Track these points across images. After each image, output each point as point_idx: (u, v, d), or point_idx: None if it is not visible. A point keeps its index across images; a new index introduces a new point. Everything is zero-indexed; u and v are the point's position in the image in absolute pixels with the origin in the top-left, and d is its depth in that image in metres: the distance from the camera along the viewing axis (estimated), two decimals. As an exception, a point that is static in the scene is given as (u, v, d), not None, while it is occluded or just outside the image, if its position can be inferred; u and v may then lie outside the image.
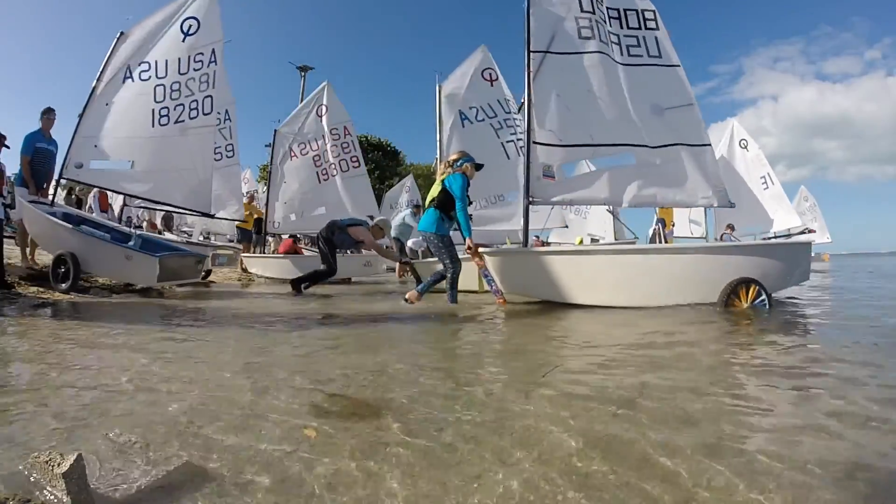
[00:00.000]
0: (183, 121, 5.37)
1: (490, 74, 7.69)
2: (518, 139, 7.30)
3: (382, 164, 32.28)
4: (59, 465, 0.81)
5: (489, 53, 7.81)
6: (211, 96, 5.51)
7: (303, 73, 20.06)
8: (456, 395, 1.48)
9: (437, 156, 7.69)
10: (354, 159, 9.10)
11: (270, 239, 10.30)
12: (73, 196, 14.19)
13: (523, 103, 4.96)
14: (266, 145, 13.33)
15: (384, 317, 3.60)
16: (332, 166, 8.99)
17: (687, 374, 1.78)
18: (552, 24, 4.75)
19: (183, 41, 5.43)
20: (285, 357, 2.12)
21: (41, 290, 4.45)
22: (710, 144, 4.72)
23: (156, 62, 5.37)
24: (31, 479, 0.85)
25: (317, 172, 9.05)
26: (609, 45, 4.76)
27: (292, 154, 9.14)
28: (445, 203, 4.20)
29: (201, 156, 5.53)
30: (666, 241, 10.17)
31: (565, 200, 4.78)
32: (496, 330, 3.07)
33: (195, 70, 5.45)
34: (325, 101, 9.23)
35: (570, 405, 1.37)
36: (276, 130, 9.25)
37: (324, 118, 9.16)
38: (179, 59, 5.41)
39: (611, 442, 1.10)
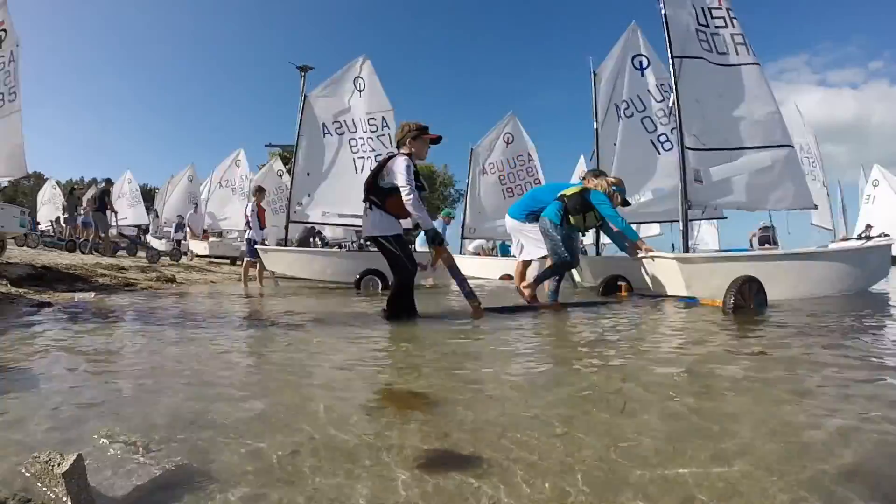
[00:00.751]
0: None
1: (641, 62, 7.49)
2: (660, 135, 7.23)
3: (382, 163, 32.17)
4: (59, 465, 0.80)
5: (638, 33, 7.48)
6: None
7: (303, 74, 20.03)
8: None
9: (595, 150, 7.60)
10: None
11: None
12: (75, 195, 14.21)
13: (671, 108, 5.48)
14: (266, 146, 13.25)
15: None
16: (518, 186, 10.53)
17: None
18: (683, 30, 5.23)
19: None
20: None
21: (38, 290, 4.45)
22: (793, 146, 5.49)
23: None
24: (31, 479, 0.85)
25: (502, 189, 10.84)
26: (726, 47, 5.32)
27: (484, 172, 11.03)
28: (576, 208, 4.48)
29: None
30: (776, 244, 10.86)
31: (718, 204, 5.41)
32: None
33: None
34: (509, 130, 10.95)
35: None
36: (472, 149, 11.13)
37: (508, 147, 10.93)
38: None
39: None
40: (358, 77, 8.01)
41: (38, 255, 8.27)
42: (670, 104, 5.61)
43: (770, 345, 2.35)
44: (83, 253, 10.44)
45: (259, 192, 7.81)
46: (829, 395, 1.51)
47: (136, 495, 0.84)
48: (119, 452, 1.00)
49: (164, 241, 15.68)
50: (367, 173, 7.30)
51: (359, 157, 7.84)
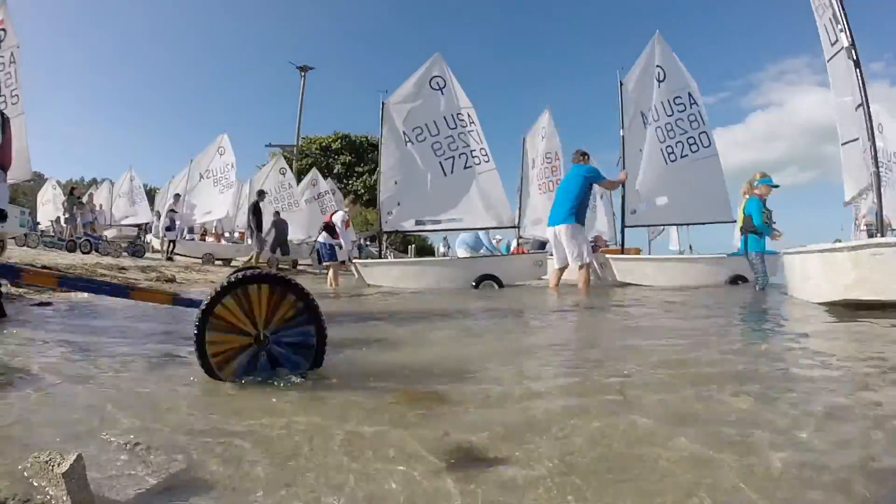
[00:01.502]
0: None
1: (658, 74, 7.74)
2: None
3: (383, 164, 32.20)
4: (59, 465, 0.80)
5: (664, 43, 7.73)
6: None
7: (303, 73, 20.05)
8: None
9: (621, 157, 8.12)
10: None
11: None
12: (75, 195, 14.20)
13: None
14: (266, 146, 13.28)
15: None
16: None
17: None
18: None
19: None
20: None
21: (38, 290, 4.44)
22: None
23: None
24: (31, 479, 0.84)
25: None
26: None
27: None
28: (750, 226, 5.52)
29: None
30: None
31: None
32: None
33: None
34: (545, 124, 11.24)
35: None
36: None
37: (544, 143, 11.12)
38: None
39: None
40: (435, 77, 7.81)
41: (38, 255, 8.27)
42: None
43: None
44: (83, 253, 10.45)
45: (353, 202, 8.24)
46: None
47: (137, 496, 0.84)
48: (119, 453, 1.00)
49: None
50: (457, 173, 7.56)
51: (446, 159, 7.63)
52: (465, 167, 7.59)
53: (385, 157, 7.83)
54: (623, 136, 7.78)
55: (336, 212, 7.67)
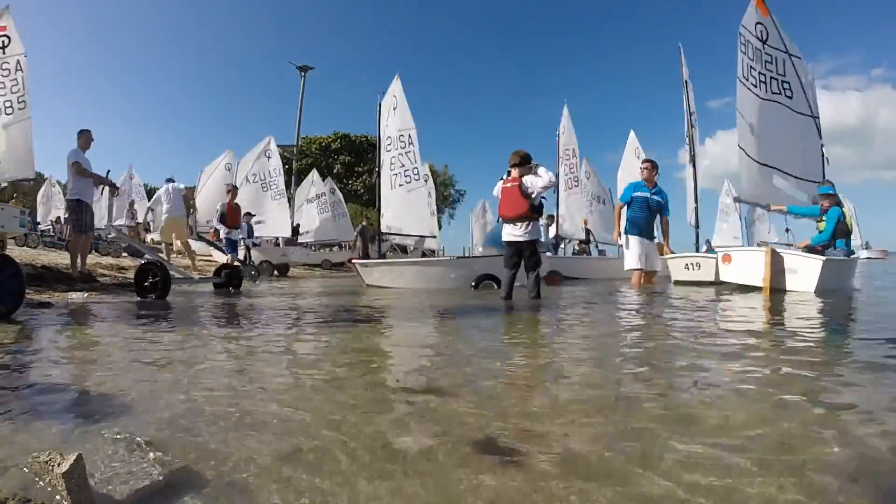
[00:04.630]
0: None
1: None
2: None
3: (382, 164, 32.18)
4: (59, 465, 0.81)
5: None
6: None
7: (303, 73, 20.02)
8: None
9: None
10: None
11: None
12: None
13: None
14: (266, 146, 13.30)
15: None
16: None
17: None
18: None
19: None
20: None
21: (39, 290, 4.45)
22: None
23: None
24: (31, 479, 0.85)
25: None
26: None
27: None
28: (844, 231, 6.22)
29: None
30: None
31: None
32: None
33: None
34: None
35: None
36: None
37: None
38: None
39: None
40: (394, 94, 8.41)
41: (37, 255, 8.28)
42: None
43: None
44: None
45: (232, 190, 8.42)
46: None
47: (137, 496, 0.84)
48: (120, 453, 1.01)
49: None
50: (398, 190, 8.14)
51: (394, 174, 8.24)
52: (400, 184, 8.30)
53: (383, 163, 8.46)
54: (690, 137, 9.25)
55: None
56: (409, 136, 8.32)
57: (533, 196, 4.81)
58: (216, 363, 1.97)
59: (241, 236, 10.90)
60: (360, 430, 1.16)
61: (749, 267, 5.93)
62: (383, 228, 8.31)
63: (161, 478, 0.89)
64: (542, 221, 4.70)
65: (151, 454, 0.98)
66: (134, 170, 18.59)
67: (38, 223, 16.75)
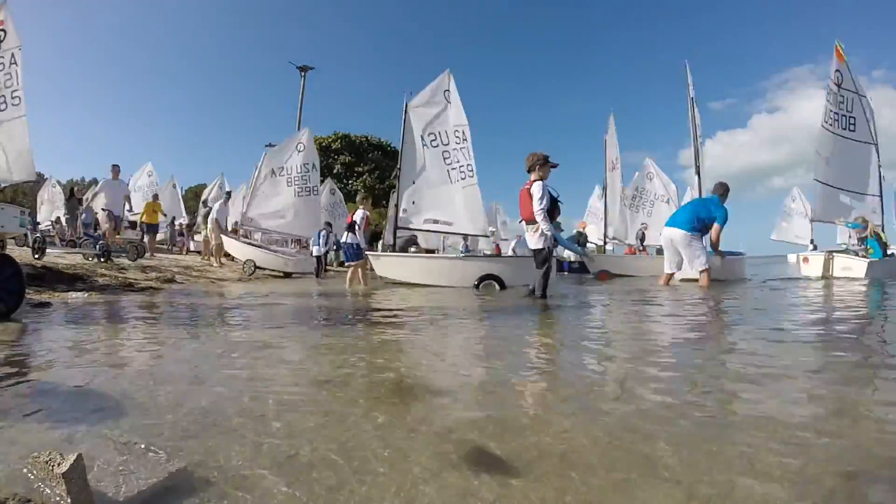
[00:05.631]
0: None
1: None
2: None
3: (382, 164, 32.28)
4: (59, 465, 0.80)
5: None
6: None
7: (303, 73, 20.03)
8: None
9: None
10: None
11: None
12: (75, 195, 14.21)
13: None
14: (266, 146, 13.24)
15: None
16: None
17: None
18: None
19: None
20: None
21: (39, 290, 4.45)
22: None
23: None
24: (31, 479, 0.85)
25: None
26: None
27: None
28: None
29: None
30: None
31: None
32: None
33: None
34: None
35: None
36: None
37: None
38: None
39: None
40: (447, 90, 8.40)
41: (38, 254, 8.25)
42: None
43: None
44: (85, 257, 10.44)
45: (366, 198, 8.33)
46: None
47: (137, 496, 0.84)
48: (120, 453, 1.01)
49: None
50: (455, 183, 8.18)
51: (452, 169, 8.23)
52: (461, 179, 8.25)
53: (406, 156, 8.39)
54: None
55: (357, 210, 8.01)
56: (463, 132, 8.25)
57: (535, 206, 4.80)
58: (222, 361, 1.97)
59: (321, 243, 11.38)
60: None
61: (817, 265, 8.66)
62: (417, 224, 8.28)
63: (161, 478, 0.89)
64: (546, 228, 4.57)
65: (151, 454, 0.98)
66: (152, 167, 18.57)
67: (38, 223, 16.73)
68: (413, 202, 8.26)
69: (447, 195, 8.19)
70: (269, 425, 1.20)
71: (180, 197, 19.92)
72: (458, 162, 8.17)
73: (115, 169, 10.28)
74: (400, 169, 8.45)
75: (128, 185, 12.32)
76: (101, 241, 8.47)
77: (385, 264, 7.92)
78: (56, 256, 8.10)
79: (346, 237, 7.59)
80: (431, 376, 1.78)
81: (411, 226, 8.44)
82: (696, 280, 6.87)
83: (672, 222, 7.07)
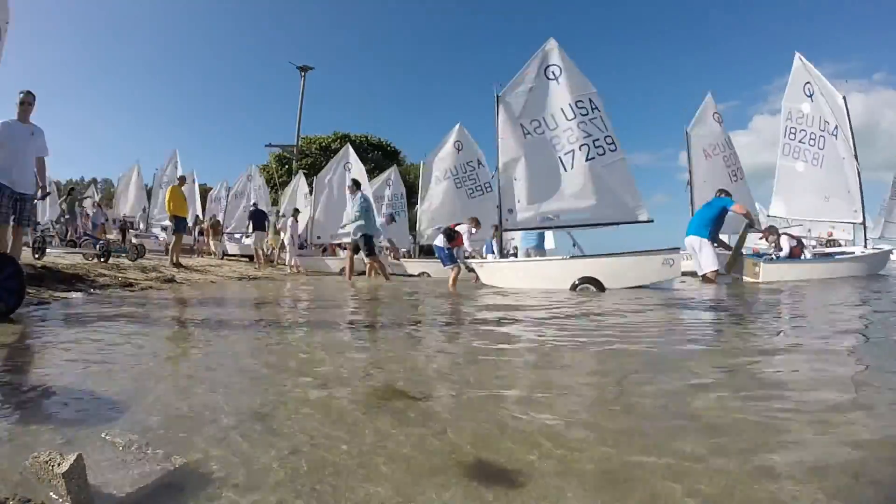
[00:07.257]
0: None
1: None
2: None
3: (382, 163, 32.30)
4: (59, 465, 0.81)
5: None
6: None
7: (303, 73, 20.03)
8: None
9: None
10: None
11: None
12: (74, 195, 14.20)
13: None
14: (266, 146, 13.23)
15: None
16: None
17: None
18: None
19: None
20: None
21: (39, 290, 4.45)
22: None
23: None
24: (31, 479, 0.85)
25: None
26: None
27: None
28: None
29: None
30: None
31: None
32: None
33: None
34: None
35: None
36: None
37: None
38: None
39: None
40: (551, 66, 7.20)
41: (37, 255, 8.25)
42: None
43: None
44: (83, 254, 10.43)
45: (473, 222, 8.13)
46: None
47: (136, 495, 0.85)
48: (119, 452, 1.01)
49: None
50: (577, 168, 7.05)
51: (565, 154, 7.08)
52: (588, 159, 6.99)
53: (503, 153, 7.43)
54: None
55: (461, 223, 8.21)
56: (590, 99, 7.00)
57: None
58: (223, 360, 1.97)
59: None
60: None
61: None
62: (531, 223, 7.37)
63: (160, 476, 0.89)
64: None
65: (150, 452, 0.98)
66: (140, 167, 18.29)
67: (38, 223, 16.64)
68: (519, 201, 7.26)
69: (566, 185, 7.07)
70: (268, 424, 1.20)
71: (197, 194, 18.15)
72: (584, 138, 6.95)
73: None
74: (497, 169, 7.51)
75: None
76: (101, 242, 8.46)
77: (490, 271, 7.33)
78: (56, 256, 8.09)
79: (438, 240, 7.79)
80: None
81: (524, 227, 7.52)
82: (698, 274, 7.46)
83: (688, 230, 7.63)
